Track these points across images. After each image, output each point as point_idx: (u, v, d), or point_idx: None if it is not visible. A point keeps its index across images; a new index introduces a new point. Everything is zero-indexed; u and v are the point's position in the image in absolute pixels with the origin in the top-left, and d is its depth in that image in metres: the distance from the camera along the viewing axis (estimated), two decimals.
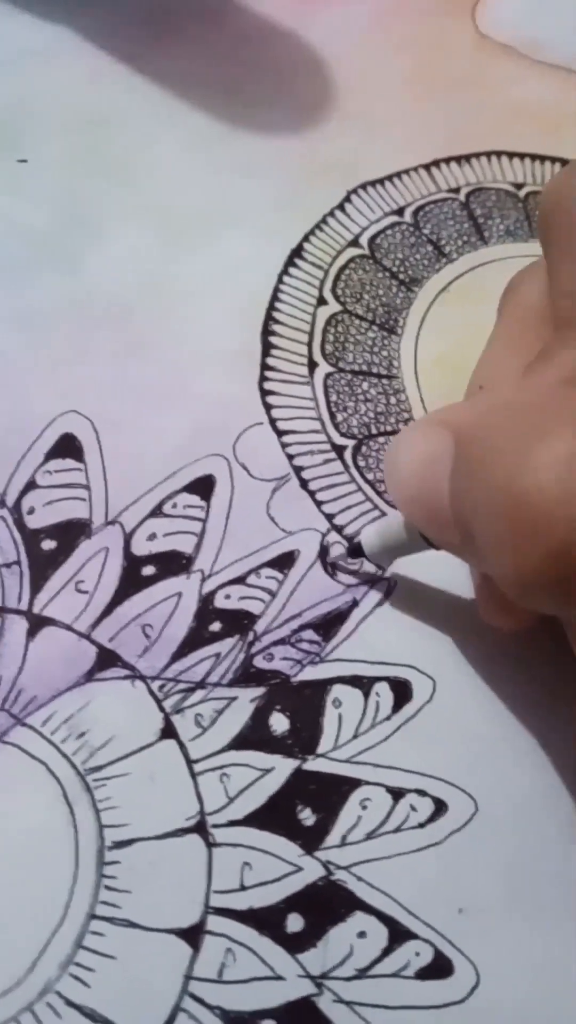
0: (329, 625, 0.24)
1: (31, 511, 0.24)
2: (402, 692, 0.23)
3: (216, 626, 0.23)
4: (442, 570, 0.24)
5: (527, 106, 0.35)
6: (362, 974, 0.20)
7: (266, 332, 0.28)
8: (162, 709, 0.22)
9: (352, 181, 0.32)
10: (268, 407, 0.27)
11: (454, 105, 0.34)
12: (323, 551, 0.25)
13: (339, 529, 0.25)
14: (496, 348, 0.23)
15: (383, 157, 0.32)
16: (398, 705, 0.23)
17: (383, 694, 0.23)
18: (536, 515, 0.16)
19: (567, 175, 0.21)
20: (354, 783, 0.22)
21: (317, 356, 0.28)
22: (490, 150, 0.33)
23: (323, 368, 0.28)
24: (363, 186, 0.31)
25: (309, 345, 0.28)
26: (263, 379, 0.27)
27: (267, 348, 0.28)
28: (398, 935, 0.20)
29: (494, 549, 0.17)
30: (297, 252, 0.30)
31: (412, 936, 0.20)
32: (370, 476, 0.26)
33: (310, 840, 0.21)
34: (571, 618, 0.19)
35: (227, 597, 0.24)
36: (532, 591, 0.17)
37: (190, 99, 0.33)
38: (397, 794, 0.22)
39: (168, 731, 0.22)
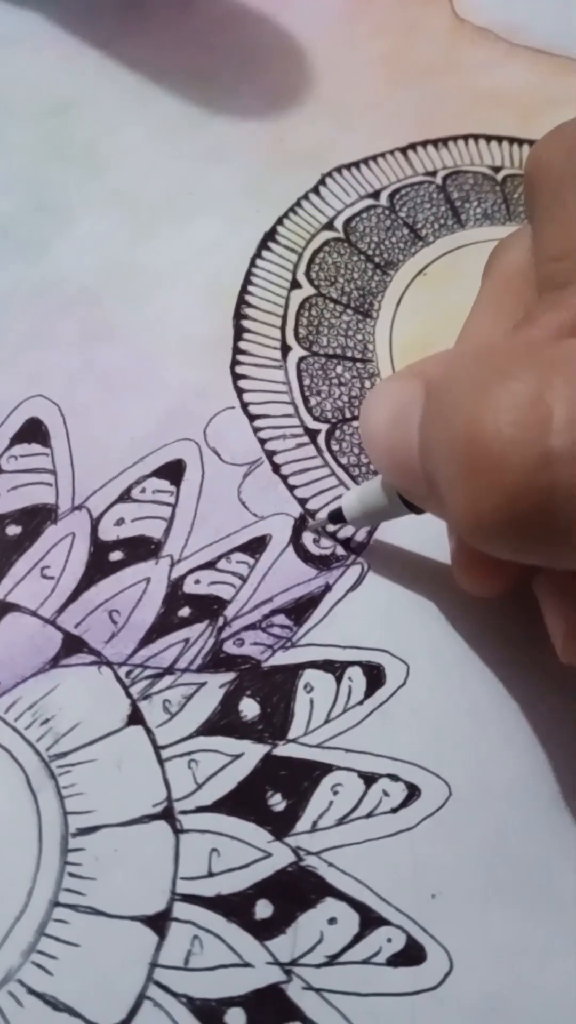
0: (301, 610, 0.23)
1: None
2: (375, 676, 0.22)
3: (185, 611, 0.23)
4: (416, 553, 0.24)
5: (505, 90, 0.34)
6: (332, 961, 0.19)
7: (238, 316, 0.28)
8: (129, 695, 0.22)
9: (326, 166, 0.31)
10: (240, 391, 0.26)
11: (430, 90, 0.34)
12: (300, 526, 0.24)
13: (312, 514, 0.25)
14: (479, 310, 0.22)
15: (358, 143, 0.32)
16: (371, 689, 0.22)
17: (356, 679, 0.22)
18: (491, 456, 0.16)
19: (550, 138, 0.21)
20: (325, 768, 0.21)
21: (290, 340, 0.28)
22: (467, 133, 0.33)
23: (296, 352, 0.27)
24: (338, 169, 0.31)
25: (282, 329, 0.28)
26: (235, 363, 0.27)
27: (239, 332, 0.28)
28: (369, 921, 0.20)
29: (451, 490, 0.17)
30: (270, 235, 0.29)
31: (384, 922, 0.20)
32: (344, 460, 0.26)
33: (280, 826, 0.21)
34: (528, 561, 0.19)
35: (197, 582, 0.23)
36: (487, 533, 0.17)
37: (161, 84, 0.33)
38: (369, 779, 0.21)
39: (135, 717, 0.21)
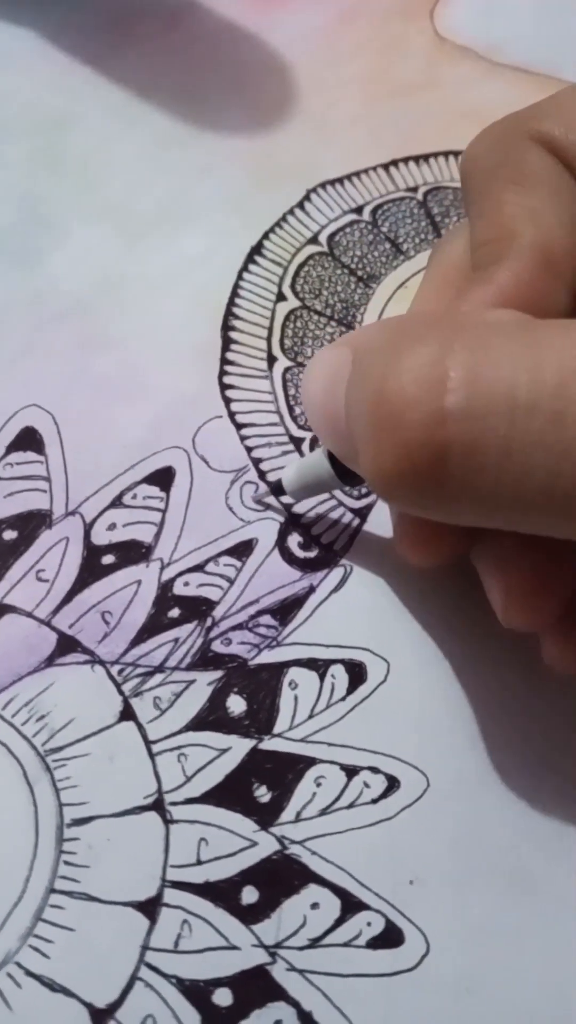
0: (286, 610, 0.24)
1: None
2: (357, 674, 0.23)
3: (175, 612, 0.24)
4: (396, 556, 0.25)
5: (485, 107, 0.35)
6: (315, 943, 0.20)
7: (226, 327, 0.29)
8: (121, 692, 0.23)
9: (310, 181, 0.32)
10: (227, 401, 0.27)
11: (412, 107, 0.35)
12: (285, 530, 0.25)
13: (296, 518, 0.26)
14: (421, 297, 0.24)
15: (341, 158, 0.33)
16: (353, 686, 0.23)
17: (338, 676, 0.23)
18: (393, 413, 0.17)
19: (478, 137, 0.23)
20: (309, 761, 0.22)
21: (276, 351, 0.29)
22: (448, 150, 0.34)
23: (282, 362, 0.28)
24: (322, 185, 0.32)
25: (268, 340, 0.29)
26: (223, 373, 0.28)
27: (227, 343, 0.29)
28: (350, 906, 0.21)
29: (362, 446, 0.18)
30: (257, 249, 0.30)
31: (364, 907, 0.21)
32: None
33: (265, 816, 0.22)
34: (428, 516, 0.20)
35: (186, 584, 0.24)
36: (389, 486, 0.18)
37: (150, 100, 0.34)
38: (351, 772, 0.22)
39: (127, 713, 0.22)
